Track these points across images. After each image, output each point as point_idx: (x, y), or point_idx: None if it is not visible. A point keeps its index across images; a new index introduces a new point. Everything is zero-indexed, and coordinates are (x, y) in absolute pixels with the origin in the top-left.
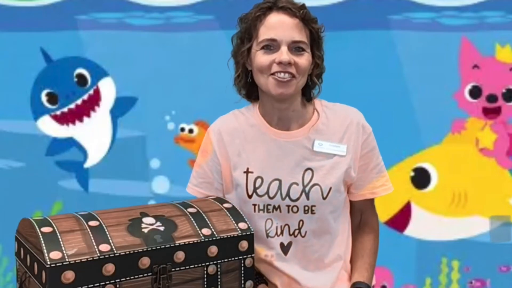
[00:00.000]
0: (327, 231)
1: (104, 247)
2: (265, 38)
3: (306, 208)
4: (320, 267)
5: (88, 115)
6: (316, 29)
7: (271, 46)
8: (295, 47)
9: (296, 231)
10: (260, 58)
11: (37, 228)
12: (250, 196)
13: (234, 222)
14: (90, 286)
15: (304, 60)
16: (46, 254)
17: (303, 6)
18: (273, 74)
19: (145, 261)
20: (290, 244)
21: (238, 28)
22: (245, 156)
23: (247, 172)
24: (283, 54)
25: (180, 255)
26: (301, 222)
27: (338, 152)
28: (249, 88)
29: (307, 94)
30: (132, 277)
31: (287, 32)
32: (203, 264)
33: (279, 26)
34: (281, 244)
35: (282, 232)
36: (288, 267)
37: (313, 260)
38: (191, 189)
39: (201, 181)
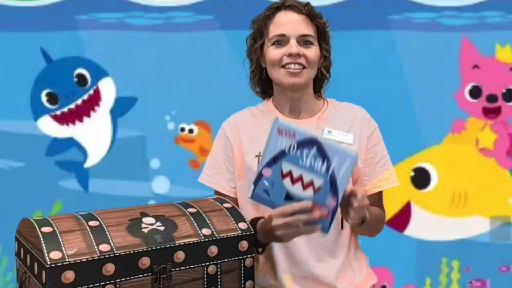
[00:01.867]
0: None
1: (104, 247)
2: (275, 34)
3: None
4: (326, 254)
5: (88, 115)
6: (322, 24)
7: (281, 41)
8: (303, 41)
9: None
10: (272, 52)
11: (37, 228)
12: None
13: (234, 222)
14: (90, 286)
15: (312, 52)
16: (46, 254)
17: (308, 4)
18: (284, 66)
19: (145, 261)
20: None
21: (251, 30)
22: (257, 142)
23: (259, 156)
24: (293, 46)
25: (180, 255)
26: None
27: (346, 140)
28: (263, 85)
29: (317, 86)
30: (132, 277)
31: (295, 27)
32: (203, 264)
33: (287, 22)
34: None
35: None
36: (295, 249)
37: (319, 245)
38: (203, 179)
39: (214, 171)
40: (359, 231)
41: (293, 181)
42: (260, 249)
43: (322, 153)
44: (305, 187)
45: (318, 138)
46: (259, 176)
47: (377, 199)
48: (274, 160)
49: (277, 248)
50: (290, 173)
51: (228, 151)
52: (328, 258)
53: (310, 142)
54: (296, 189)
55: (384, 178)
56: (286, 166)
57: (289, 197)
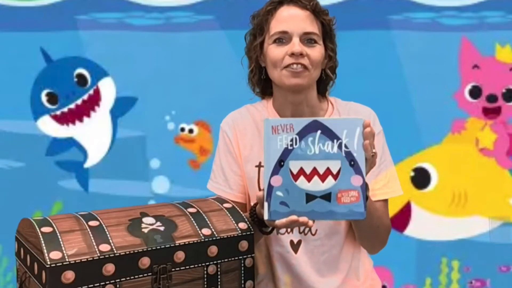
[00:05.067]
0: (337, 231)
1: (104, 247)
2: (277, 31)
3: None
4: (329, 269)
5: (88, 115)
6: (328, 21)
7: (283, 39)
8: (307, 39)
9: (306, 229)
10: (273, 51)
11: (37, 228)
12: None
13: (234, 222)
14: (90, 286)
15: (317, 52)
16: (46, 254)
17: None
18: (286, 67)
19: (145, 261)
20: (299, 242)
21: (251, 26)
22: (257, 150)
23: (259, 166)
24: (295, 45)
25: (180, 255)
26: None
27: None
28: (263, 85)
29: (322, 88)
30: (132, 277)
31: (298, 24)
32: (203, 264)
33: (290, 18)
34: (291, 242)
35: (292, 230)
36: (297, 265)
37: (322, 261)
38: (213, 188)
39: (223, 179)
40: (362, 232)
41: (308, 178)
42: (268, 229)
43: (328, 133)
44: (323, 178)
45: (318, 119)
46: (270, 189)
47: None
48: (280, 164)
49: (278, 264)
50: (302, 171)
51: (233, 154)
52: (331, 273)
53: (311, 128)
54: (315, 185)
55: (377, 188)
56: (295, 165)
57: (310, 198)
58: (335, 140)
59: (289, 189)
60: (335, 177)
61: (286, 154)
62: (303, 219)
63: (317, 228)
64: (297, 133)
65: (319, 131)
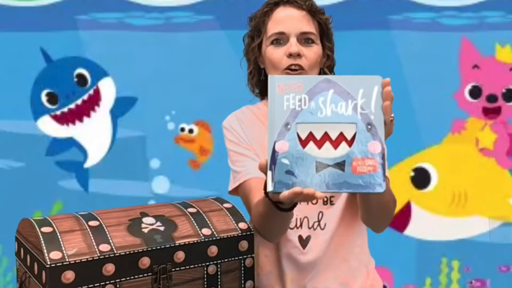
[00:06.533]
0: (346, 224)
1: (104, 247)
2: (274, 32)
3: (325, 198)
4: (335, 267)
5: (88, 115)
6: (324, 20)
7: (280, 39)
8: (304, 39)
9: (316, 224)
10: (271, 53)
11: (37, 228)
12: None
13: (234, 222)
14: (90, 286)
15: (313, 52)
16: (46, 254)
17: None
18: (285, 69)
19: (145, 261)
20: (309, 238)
21: (248, 27)
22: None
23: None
24: (292, 45)
25: (180, 255)
26: (320, 214)
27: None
28: (262, 86)
29: None
30: (132, 277)
31: (295, 24)
32: (203, 264)
33: (286, 19)
34: (300, 237)
35: (301, 225)
36: (304, 261)
37: (328, 257)
38: (243, 177)
39: (249, 162)
40: (373, 209)
41: (319, 144)
42: (286, 206)
43: (342, 93)
44: (336, 144)
45: (330, 77)
46: (274, 156)
47: None
48: (286, 127)
49: (284, 259)
50: (311, 136)
51: (245, 143)
52: (336, 270)
53: (323, 87)
54: (326, 152)
55: None
56: (303, 129)
57: (321, 167)
58: (349, 101)
59: (297, 156)
60: (350, 143)
61: (293, 116)
62: (308, 190)
63: (325, 222)
64: (306, 92)
65: (331, 90)
